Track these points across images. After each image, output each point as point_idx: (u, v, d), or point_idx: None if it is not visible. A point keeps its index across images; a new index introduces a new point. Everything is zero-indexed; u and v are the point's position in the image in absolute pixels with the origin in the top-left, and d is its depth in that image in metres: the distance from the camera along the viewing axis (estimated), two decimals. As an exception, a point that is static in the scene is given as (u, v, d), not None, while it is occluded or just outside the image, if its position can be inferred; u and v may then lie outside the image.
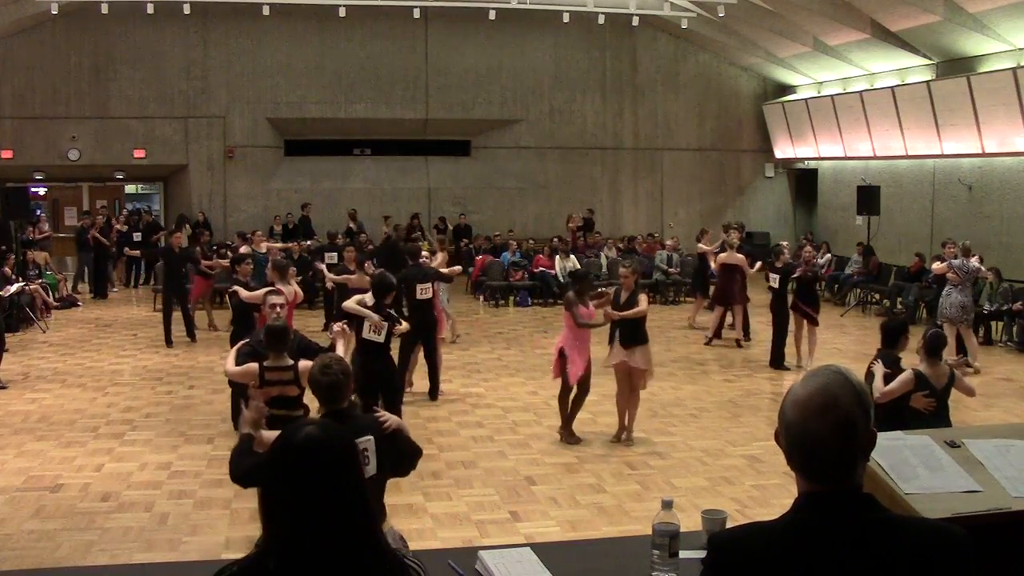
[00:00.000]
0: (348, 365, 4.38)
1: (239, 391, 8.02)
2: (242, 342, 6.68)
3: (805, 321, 12.30)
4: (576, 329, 8.70)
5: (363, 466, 2.06)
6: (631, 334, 8.76)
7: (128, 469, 8.07)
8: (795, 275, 12.41)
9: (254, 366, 6.05)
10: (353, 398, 4.65)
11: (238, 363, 6.18)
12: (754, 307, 14.82)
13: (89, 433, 9.20)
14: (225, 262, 15.20)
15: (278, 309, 6.87)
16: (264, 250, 14.29)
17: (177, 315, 14.10)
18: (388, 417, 4.40)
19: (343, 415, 4.23)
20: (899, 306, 16.70)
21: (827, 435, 1.84)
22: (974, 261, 12.29)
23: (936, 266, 12.82)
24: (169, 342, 13.72)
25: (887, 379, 6.35)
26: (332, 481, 1.91)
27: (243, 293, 9.61)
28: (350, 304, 8.47)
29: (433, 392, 10.66)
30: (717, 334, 14.25)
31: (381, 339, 8.16)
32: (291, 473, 1.92)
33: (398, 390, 8.67)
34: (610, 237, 20.88)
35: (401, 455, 4.37)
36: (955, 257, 12.29)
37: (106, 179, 22.42)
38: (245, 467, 4.29)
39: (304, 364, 5.99)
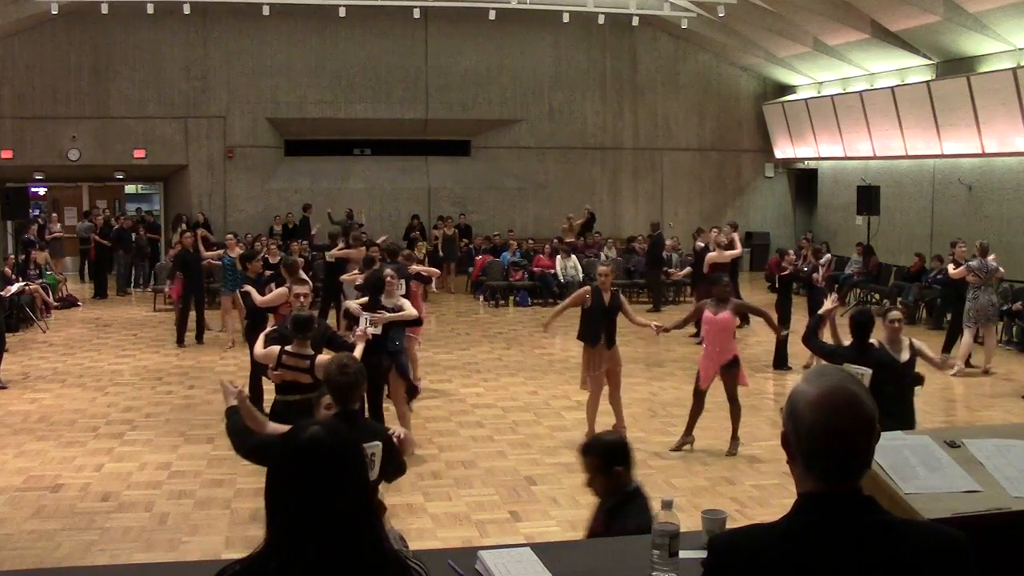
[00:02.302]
0: (364, 368, 4.60)
1: (257, 373, 8.87)
2: (271, 327, 7.24)
3: None
4: (712, 334, 8.56)
5: (367, 468, 2.08)
6: (614, 335, 8.78)
7: (128, 469, 8.08)
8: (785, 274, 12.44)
9: (275, 349, 6.38)
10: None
11: (264, 346, 6.57)
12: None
13: (89, 433, 9.20)
14: (214, 253, 14.91)
15: (302, 299, 7.16)
16: (236, 255, 13.79)
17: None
18: (395, 429, 4.69)
19: (353, 417, 4.43)
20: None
21: (855, 433, 1.83)
22: (991, 260, 12.21)
23: (953, 271, 12.54)
24: (181, 341, 13.74)
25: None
26: (336, 482, 1.91)
27: (257, 298, 9.71)
28: (351, 304, 8.92)
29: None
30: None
31: (379, 331, 8.38)
32: (295, 473, 1.92)
33: (380, 393, 8.58)
34: (610, 237, 20.88)
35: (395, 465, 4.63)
36: (972, 258, 12.18)
37: (106, 179, 22.43)
38: (250, 444, 4.66)
39: (322, 358, 6.21)
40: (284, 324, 6.92)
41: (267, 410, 6.57)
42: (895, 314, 6.91)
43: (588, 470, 3.87)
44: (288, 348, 6.33)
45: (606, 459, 3.83)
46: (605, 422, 8.95)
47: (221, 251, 14.67)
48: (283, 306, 9.38)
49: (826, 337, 7.87)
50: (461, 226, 21.59)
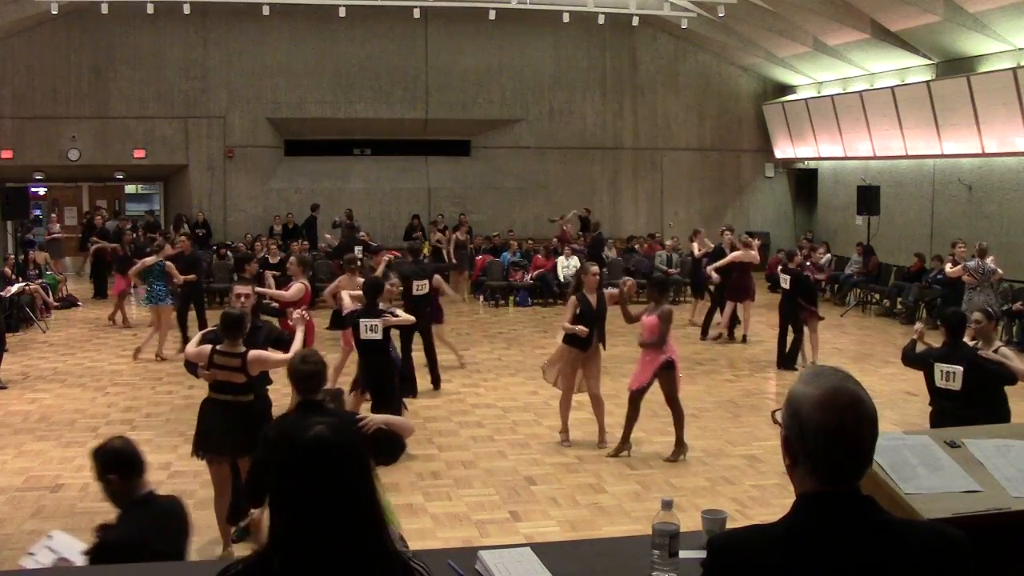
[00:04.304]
0: (323, 358, 4.69)
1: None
2: (209, 328, 7.10)
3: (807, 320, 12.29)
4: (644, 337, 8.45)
5: (371, 468, 2.07)
6: (604, 337, 8.75)
7: (128, 469, 8.07)
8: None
9: (206, 348, 6.30)
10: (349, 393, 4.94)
11: (198, 344, 6.48)
12: (758, 307, 14.90)
13: (89, 433, 9.19)
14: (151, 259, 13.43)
15: (242, 300, 7.04)
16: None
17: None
18: (368, 419, 4.62)
19: (316, 407, 4.45)
20: (899, 306, 16.70)
21: (860, 431, 1.83)
22: (990, 262, 12.25)
23: (950, 269, 12.66)
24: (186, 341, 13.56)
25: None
26: (339, 481, 1.91)
27: (281, 295, 10.09)
28: (345, 297, 9.17)
29: (436, 383, 11.03)
30: (731, 332, 14.44)
31: (379, 335, 8.33)
32: (298, 472, 1.92)
33: (390, 391, 8.39)
34: (610, 237, 20.87)
35: (381, 447, 4.59)
36: (970, 258, 12.24)
37: (106, 179, 22.43)
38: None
39: (253, 354, 6.15)
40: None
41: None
42: (976, 315, 6.88)
43: (94, 474, 3.90)
44: (219, 347, 6.23)
45: (100, 466, 3.80)
46: (610, 422, 8.95)
47: (154, 256, 13.18)
48: (300, 302, 9.50)
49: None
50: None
